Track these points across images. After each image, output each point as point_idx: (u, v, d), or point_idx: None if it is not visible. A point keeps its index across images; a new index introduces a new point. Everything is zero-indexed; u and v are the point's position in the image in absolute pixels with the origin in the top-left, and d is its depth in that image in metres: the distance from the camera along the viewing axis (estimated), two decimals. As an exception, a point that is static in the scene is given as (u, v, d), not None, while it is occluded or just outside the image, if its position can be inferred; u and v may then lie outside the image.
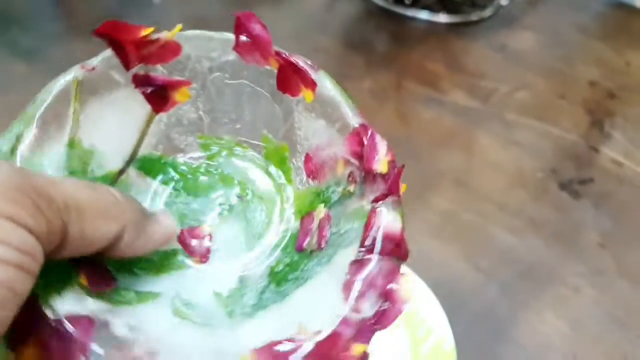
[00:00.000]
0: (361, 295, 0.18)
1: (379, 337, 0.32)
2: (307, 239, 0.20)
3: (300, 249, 0.20)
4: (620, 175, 0.51)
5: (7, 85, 0.59)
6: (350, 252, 0.18)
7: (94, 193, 0.15)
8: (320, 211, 0.20)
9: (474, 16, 0.71)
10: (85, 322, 0.16)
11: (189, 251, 0.20)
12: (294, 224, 0.21)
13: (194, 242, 0.20)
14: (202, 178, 0.21)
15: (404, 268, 0.38)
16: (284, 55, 0.19)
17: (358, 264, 0.18)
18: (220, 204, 0.21)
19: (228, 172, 0.21)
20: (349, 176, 0.20)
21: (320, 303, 0.18)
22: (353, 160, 0.19)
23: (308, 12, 0.73)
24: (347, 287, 0.18)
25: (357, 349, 0.18)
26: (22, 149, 0.18)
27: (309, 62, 0.20)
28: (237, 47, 0.20)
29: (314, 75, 0.20)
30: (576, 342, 0.37)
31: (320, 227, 0.20)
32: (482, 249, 0.43)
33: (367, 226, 0.18)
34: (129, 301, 0.18)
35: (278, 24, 0.70)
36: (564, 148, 0.54)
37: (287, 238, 0.21)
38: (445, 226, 0.45)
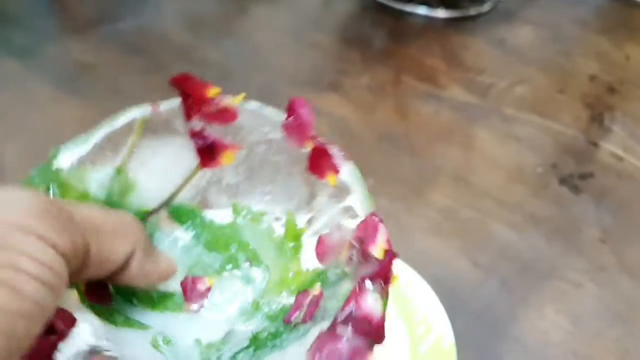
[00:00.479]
0: None
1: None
2: (296, 314, 0.21)
3: (287, 322, 0.21)
4: (620, 169, 0.50)
5: (1, 83, 0.58)
6: (325, 326, 0.19)
7: (109, 215, 0.16)
8: (316, 289, 0.21)
9: (473, 11, 0.71)
10: (67, 317, 0.17)
11: (187, 297, 0.22)
12: (289, 299, 0.22)
13: (194, 290, 0.22)
14: (222, 237, 0.23)
15: (403, 265, 0.38)
16: (319, 140, 0.22)
17: (327, 336, 0.18)
18: (229, 264, 0.23)
19: (246, 237, 0.23)
20: (349, 259, 0.21)
21: None
22: (356, 243, 0.21)
23: (304, 8, 0.72)
24: (311, 356, 0.18)
25: None
26: (74, 159, 0.20)
27: (339, 151, 0.22)
28: (285, 126, 0.22)
29: (340, 162, 0.22)
30: (577, 338, 0.37)
31: (311, 304, 0.21)
32: (481, 245, 0.43)
33: (347, 301, 0.19)
34: (117, 322, 0.19)
35: (274, 21, 0.69)
36: (563, 143, 0.53)
37: (279, 310, 0.22)
38: (444, 223, 0.45)
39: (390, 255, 0.20)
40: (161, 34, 0.66)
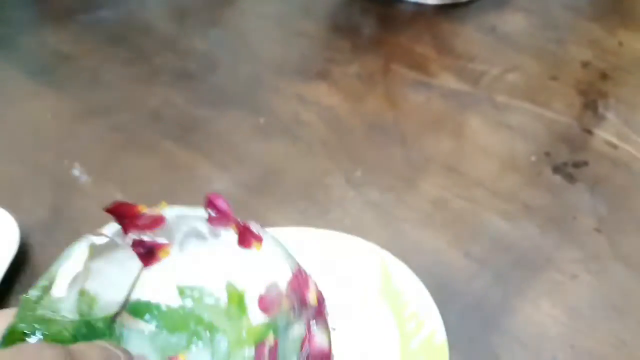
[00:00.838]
0: None
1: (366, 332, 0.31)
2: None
3: None
4: (614, 157, 0.49)
5: (-24, 75, 0.56)
6: None
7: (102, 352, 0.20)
8: (270, 339, 0.26)
9: (463, -3, 0.69)
10: None
11: None
12: (249, 351, 0.26)
13: None
14: (178, 318, 0.27)
15: (393, 259, 0.36)
16: (240, 222, 0.26)
17: None
18: (193, 338, 0.27)
19: (199, 312, 0.27)
20: (291, 309, 0.25)
21: None
22: (293, 295, 0.25)
23: (291, -4, 0.71)
24: None
25: None
26: (46, 297, 0.24)
27: (258, 225, 0.27)
28: (210, 219, 0.26)
29: (262, 234, 0.26)
30: (573, 330, 0.36)
31: (271, 352, 0.25)
32: (474, 237, 0.42)
33: (302, 345, 0.24)
34: None
35: (261, 9, 0.68)
36: (557, 131, 0.52)
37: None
38: (435, 213, 0.43)
39: (321, 298, 0.25)
40: (144, 23, 0.64)
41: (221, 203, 0.27)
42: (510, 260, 0.40)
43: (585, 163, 0.48)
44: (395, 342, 0.32)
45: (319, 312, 0.24)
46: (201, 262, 0.27)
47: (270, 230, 0.39)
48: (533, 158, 0.49)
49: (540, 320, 0.36)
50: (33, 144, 0.49)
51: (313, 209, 0.43)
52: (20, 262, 0.40)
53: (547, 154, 0.49)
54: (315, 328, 0.24)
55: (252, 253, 0.26)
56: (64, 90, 0.54)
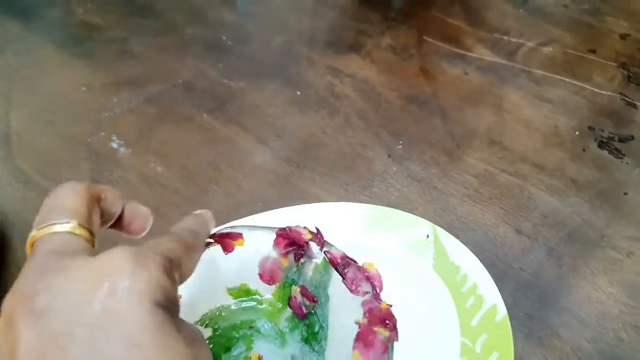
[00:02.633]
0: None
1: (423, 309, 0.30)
2: (302, 307, 0.30)
3: (302, 317, 0.31)
4: (660, 132, 0.48)
5: (2, 46, 0.55)
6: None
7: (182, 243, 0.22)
8: (294, 290, 0.31)
9: (497, -33, 0.67)
10: None
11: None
12: (287, 312, 0.31)
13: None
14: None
15: (444, 233, 0.35)
16: (216, 235, 0.29)
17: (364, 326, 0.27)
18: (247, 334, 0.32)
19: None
20: (295, 258, 0.30)
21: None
22: (285, 250, 0.30)
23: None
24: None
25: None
26: None
27: (231, 226, 0.30)
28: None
29: (239, 230, 0.30)
30: (635, 311, 0.35)
31: (304, 295, 0.30)
32: (523, 212, 0.41)
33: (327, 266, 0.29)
34: None
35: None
36: (599, 104, 0.51)
37: (292, 324, 0.31)
38: (481, 188, 0.42)
39: (318, 231, 0.30)
40: (170, -6, 0.62)
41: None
42: (563, 236, 0.39)
43: (632, 137, 0.47)
44: (455, 319, 0.31)
45: (320, 240, 0.29)
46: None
47: (317, 206, 0.39)
48: (577, 133, 0.48)
49: (599, 299, 0.35)
50: (69, 116, 0.47)
51: (356, 184, 0.42)
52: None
53: (591, 128, 0.48)
54: (327, 248, 0.29)
55: (239, 251, 0.30)
56: (94, 62, 0.53)
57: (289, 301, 0.31)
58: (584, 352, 0.33)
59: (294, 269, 0.31)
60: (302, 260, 0.30)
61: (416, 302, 0.32)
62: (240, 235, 0.30)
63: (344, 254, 0.30)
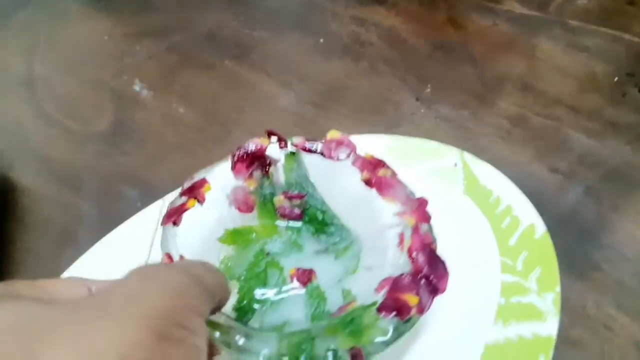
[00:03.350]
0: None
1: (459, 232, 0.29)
2: (293, 211, 0.31)
3: (299, 218, 0.31)
4: None
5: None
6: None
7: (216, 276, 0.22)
8: (279, 200, 0.31)
9: None
10: None
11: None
12: (283, 223, 0.32)
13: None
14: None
15: (475, 159, 0.34)
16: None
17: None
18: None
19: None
20: (262, 173, 0.31)
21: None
22: (253, 169, 0.31)
23: None
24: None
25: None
26: None
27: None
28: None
29: (207, 176, 0.30)
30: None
31: (290, 199, 0.31)
32: (558, 152, 0.39)
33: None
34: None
35: None
36: (638, 52, 0.48)
37: (289, 229, 0.32)
38: (514, 130, 0.41)
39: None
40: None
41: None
42: (601, 175, 0.37)
43: (674, 83, 0.45)
44: (492, 240, 0.30)
45: (279, 138, 0.30)
46: None
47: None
48: (615, 79, 0.45)
49: (642, 235, 0.33)
50: (92, 62, 0.47)
51: (382, 124, 0.41)
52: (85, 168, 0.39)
53: (631, 74, 0.46)
54: (290, 142, 0.31)
55: (209, 197, 0.29)
56: (116, 14, 0.52)
57: (279, 213, 0.31)
58: (626, 286, 0.31)
59: (266, 183, 0.31)
60: (269, 170, 0.30)
61: (449, 226, 0.31)
62: (204, 181, 0.29)
63: (304, 138, 0.30)
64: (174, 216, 0.27)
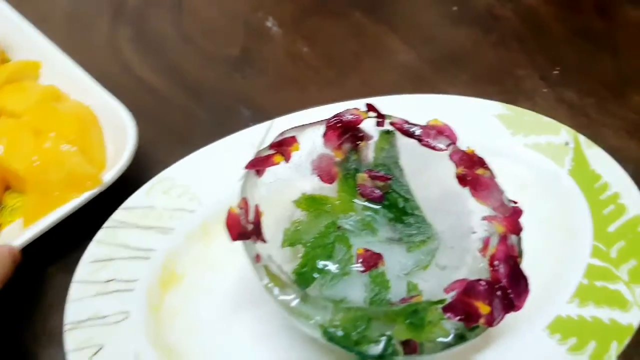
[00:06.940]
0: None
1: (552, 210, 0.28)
2: (373, 192, 0.30)
3: (380, 199, 0.30)
4: None
5: None
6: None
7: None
8: (362, 177, 0.30)
9: None
10: None
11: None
12: (361, 202, 0.30)
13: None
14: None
15: (587, 142, 0.32)
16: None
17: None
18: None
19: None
20: (352, 145, 0.30)
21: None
22: (344, 140, 0.30)
23: None
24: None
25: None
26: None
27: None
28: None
29: (298, 135, 0.29)
30: None
31: (374, 179, 0.30)
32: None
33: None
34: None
35: None
36: None
37: (367, 209, 0.31)
38: (643, 126, 0.38)
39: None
40: None
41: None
42: None
43: None
44: (587, 223, 0.28)
45: (378, 114, 0.29)
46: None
47: (444, 98, 0.37)
48: None
49: None
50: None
51: (500, 96, 0.40)
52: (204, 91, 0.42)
53: None
54: (388, 120, 0.29)
55: (294, 158, 0.29)
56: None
57: (359, 190, 0.30)
58: None
59: (353, 158, 0.30)
60: (360, 145, 0.29)
61: (544, 202, 0.30)
62: (294, 139, 0.28)
63: (404, 119, 0.28)
64: (258, 165, 0.27)
